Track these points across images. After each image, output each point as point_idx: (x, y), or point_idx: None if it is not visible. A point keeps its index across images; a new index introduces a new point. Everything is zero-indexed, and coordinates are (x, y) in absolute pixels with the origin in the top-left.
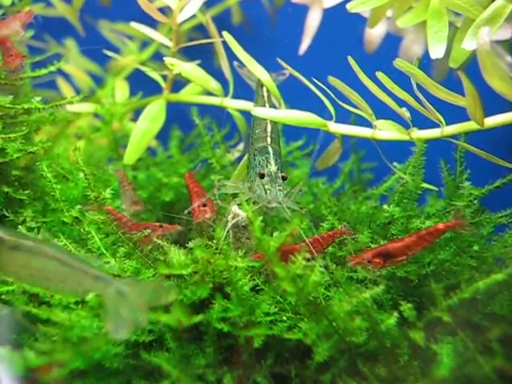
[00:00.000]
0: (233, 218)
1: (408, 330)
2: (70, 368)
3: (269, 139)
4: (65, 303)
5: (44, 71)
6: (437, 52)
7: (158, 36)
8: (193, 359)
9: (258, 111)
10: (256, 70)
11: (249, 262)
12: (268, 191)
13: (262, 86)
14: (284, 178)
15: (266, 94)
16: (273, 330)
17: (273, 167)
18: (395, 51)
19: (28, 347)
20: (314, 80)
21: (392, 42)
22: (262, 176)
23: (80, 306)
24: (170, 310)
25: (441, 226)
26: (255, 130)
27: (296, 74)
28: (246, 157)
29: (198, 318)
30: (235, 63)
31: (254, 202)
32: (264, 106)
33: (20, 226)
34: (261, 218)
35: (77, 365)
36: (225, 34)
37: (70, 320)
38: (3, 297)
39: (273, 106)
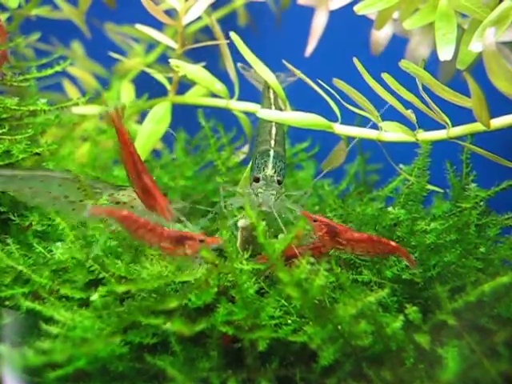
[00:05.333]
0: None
1: (414, 333)
2: (73, 367)
3: (272, 142)
4: (69, 304)
5: (49, 71)
6: (445, 54)
7: (163, 38)
8: (197, 362)
9: (263, 113)
10: (262, 71)
11: (254, 265)
12: (260, 194)
13: (268, 88)
14: (279, 182)
15: (272, 96)
16: (278, 333)
17: (269, 171)
18: (401, 53)
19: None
20: (320, 82)
21: (398, 43)
22: (256, 180)
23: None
24: (173, 315)
25: (393, 243)
26: (260, 132)
27: (302, 75)
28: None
29: (201, 327)
30: (239, 65)
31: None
32: (270, 108)
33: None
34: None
35: (79, 364)
36: (232, 34)
37: (73, 320)
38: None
39: (279, 108)
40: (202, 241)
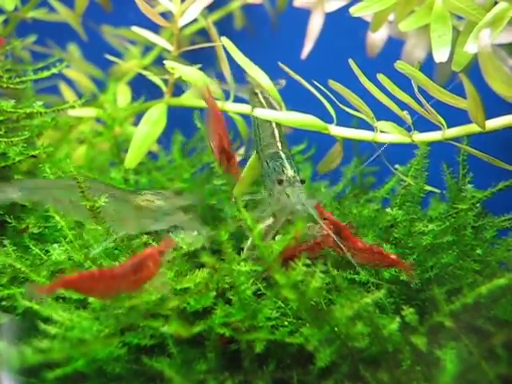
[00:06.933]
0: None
1: (410, 335)
2: (71, 367)
3: (279, 144)
4: (66, 305)
5: (46, 74)
6: (441, 56)
7: (159, 40)
8: (194, 364)
9: (259, 112)
10: (256, 74)
11: (251, 266)
12: (291, 196)
13: (256, 94)
14: (302, 182)
15: (263, 100)
16: (275, 335)
17: (290, 172)
18: (397, 56)
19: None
20: (315, 83)
21: (394, 46)
22: (280, 182)
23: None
24: (171, 317)
25: (394, 257)
26: (262, 136)
27: (297, 77)
28: (249, 161)
29: (198, 329)
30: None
31: (274, 214)
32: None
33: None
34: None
35: (77, 365)
36: (223, 39)
37: (71, 320)
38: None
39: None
40: (162, 252)
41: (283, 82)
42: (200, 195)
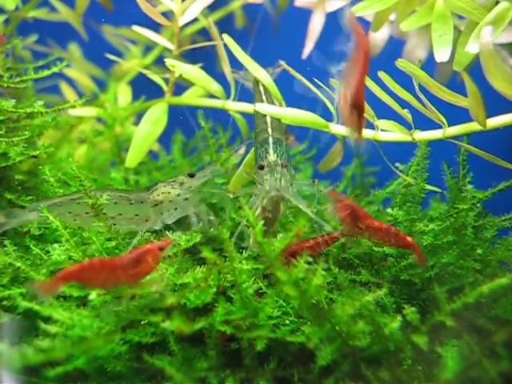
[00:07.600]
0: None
1: (411, 334)
2: (72, 365)
3: (270, 130)
4: (67, 304)
5: (46, 73)
6: (442, 55)
7: (160, 39)
8: (195, 362)
9: (260, 107)
10: (255, 70)
11: (253, 264)
12: (265, 181)
13: (258, 82)
14: (283, 165)
15: (262, 89)
16: (276, 334)
17: (271, 157)
18: (398, 55)
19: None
20: (317, 81)
21: (395, 45)
22: (261, 167)
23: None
24: (172, 314)
25: (409, 239)
26: (257, 123)
27: (299, 76)
28: (247, 157)
29: (199, 325)
30: (230, 69)
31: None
32: (261, 101)
33: None
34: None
35: (78, 363)
36: (224, 35)
37: (72, 319)
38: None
39: (271, 100)
40: (161, 248)
41: (282, 64)
42: (216, 165)
